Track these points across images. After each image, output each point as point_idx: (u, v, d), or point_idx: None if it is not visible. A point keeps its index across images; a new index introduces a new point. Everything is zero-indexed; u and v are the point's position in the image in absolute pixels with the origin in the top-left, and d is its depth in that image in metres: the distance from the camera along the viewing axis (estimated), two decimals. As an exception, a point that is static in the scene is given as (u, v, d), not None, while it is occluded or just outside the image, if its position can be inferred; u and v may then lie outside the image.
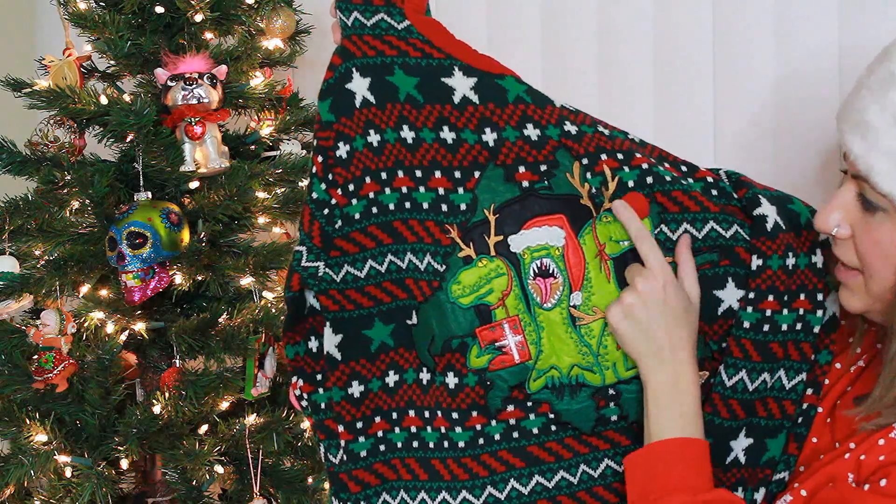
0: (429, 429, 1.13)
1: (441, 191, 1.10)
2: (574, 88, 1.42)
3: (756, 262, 1.07)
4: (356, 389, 1.12)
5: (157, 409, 1.62)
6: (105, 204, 1.62)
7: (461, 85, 1.09)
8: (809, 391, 1.09)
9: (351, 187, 1.09)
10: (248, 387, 1.66)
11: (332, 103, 1.09)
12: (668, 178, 1.08)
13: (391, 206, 1.10)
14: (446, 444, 1.12)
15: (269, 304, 1.71)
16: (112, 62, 1.71)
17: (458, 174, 1.10)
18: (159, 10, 1.66)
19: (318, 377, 1.16)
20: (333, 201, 1.09)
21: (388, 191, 1.10)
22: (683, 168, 1.11)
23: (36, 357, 1.59)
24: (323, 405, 1.16)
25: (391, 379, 1.13)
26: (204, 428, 1.72)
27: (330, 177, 1.09)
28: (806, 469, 1.06)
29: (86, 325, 1.63)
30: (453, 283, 1.10)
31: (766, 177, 1.19)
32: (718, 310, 1.09)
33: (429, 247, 1.10)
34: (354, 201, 1.09)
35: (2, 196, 1.65)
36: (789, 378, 1.08)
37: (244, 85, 1.75)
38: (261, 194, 1.71)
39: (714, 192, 1.10)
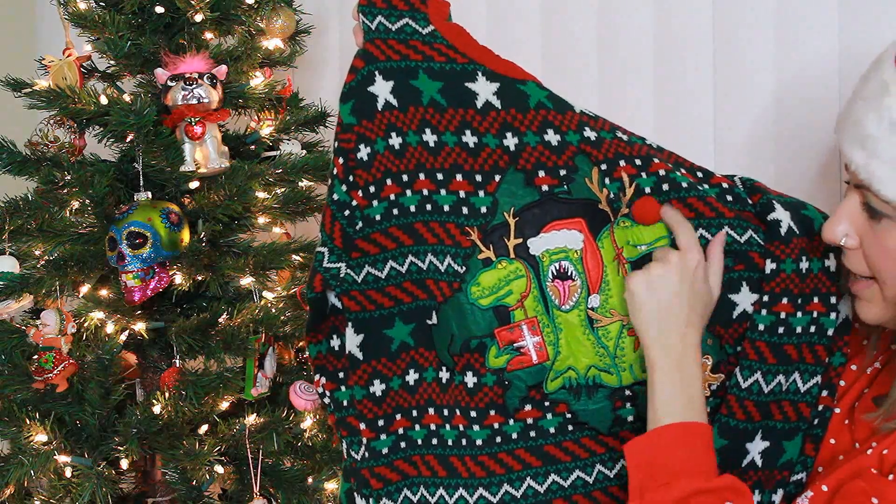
0: (448, 426, 1.14)
1: (462, 194, 1.11)
2: (574, 90, 1.42)
3: (770, 265, 1.08)
4: (378, 388, 1.14)
5: (157, 409, 1.61)
6: (105, 204, 1.62)
7: (484, 90, 1.10)
8: (824, 393, 1.10)
9: (372, 189, 1.10)
10: (248, 387, 1.66)
11: (354, 106, 1.09)
12: (684, 185, 1.10)
13: (412, 209, 1.11)
14: (464, 441, 1.14)
15: (269, 304, 1.71)
16: (112, 62, 1.70)
17: (479, 178, 1.11)
18: (159, 10, 1.66)
19: (341, 375, 1.17)
20: (354, 203, 1.10)
21: (409, 193, 1.11)
22: (699, 174, 1.13)
23: (36, 357, 1.59)
24: (345, 402, 1.17)
25: (411, 377, 1.14)
26: (204, 428, 1.72)
27: (350, 178, 1.10)
28: (825, 469, 1.07)
29: (86, 325, 1.63)
30: (473, 284, 1.12)
31: (767, 179, 1.20)
32: (733, 313, 1.10)
33: (449, 248, 1.12)
34: (375, 203, 1.11)
35: (2, 196, 1.65)
36: (804, 381, 1.09)
37: (244, 85, 1.75)
38: (261, 194, 1.71)
39: (729, 198, 1.11)
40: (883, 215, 0.96)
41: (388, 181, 1.11)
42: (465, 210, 1.12)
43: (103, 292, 1.69)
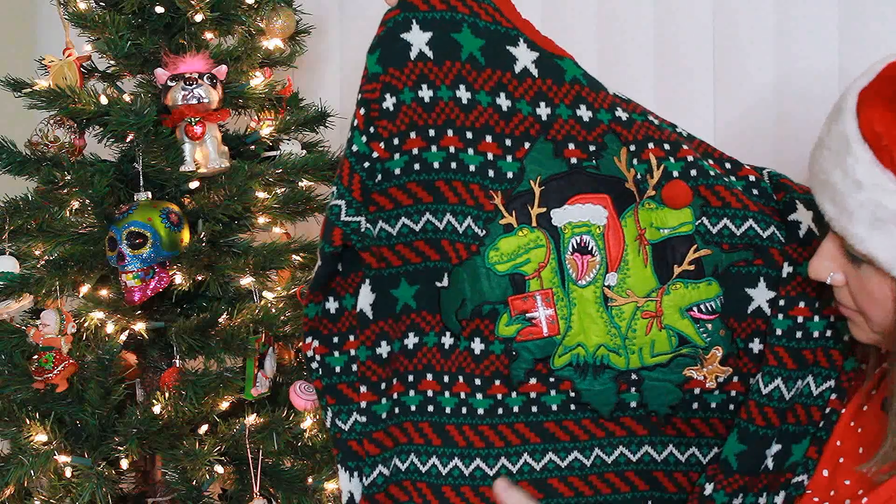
0: (447, 394, 1.13)
1: (490, 156, 1.11)
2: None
3: (787, 268, 1.07)
4: (384, 350, 1.12)
5: (157, 409, 1.62)
6: (105, 204, 1.62)
7: (524, 56, 1.10)
8: (833, 396, 1.09)
9: (395, 141, 1.09)
10: (248, 387, 1.66)
11: (381, 55, 1.08)
12: (711, 174, 1.10)
13: (435, 165, 1.10)
14: (465, 409, 1.13)
15: (269, 304, 1.71)
16: (112, 62, 1.71)
17: (508, 142, 1.11)
18: (159, 10, 1.66)
19: (335, 339, 1.14)
20: (375, 155, 1.09)
21: (434, 149, 1.10)
22: (727, 165, 1.13)
23: (36, 357, 1.59)
24: (338, 368, 1.14)
25: (410, 341, 1.13)
26: (204, 428, 1.72)
27: (372, 129, 1.09)
28: (830, 474, 1.06)
29: (86, 325, 1.63)
30: (491, 248, 1.11)
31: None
32: (748, 308, 1.10)
33: (470, 210, 1.11)
34: (397, 156, 1.09)
35: (2, 196, 1.65)
36: (817, 384, 1.08)
37: (244, 85, 1.75)
38: (261, 194, 1.71)
39: (755, 192, 1.11)
40: (862, 261, 0.95)
41: (413, 134, 1.09)
42: (491, 173, 1.11)
43: (103, 292, 1.69)
